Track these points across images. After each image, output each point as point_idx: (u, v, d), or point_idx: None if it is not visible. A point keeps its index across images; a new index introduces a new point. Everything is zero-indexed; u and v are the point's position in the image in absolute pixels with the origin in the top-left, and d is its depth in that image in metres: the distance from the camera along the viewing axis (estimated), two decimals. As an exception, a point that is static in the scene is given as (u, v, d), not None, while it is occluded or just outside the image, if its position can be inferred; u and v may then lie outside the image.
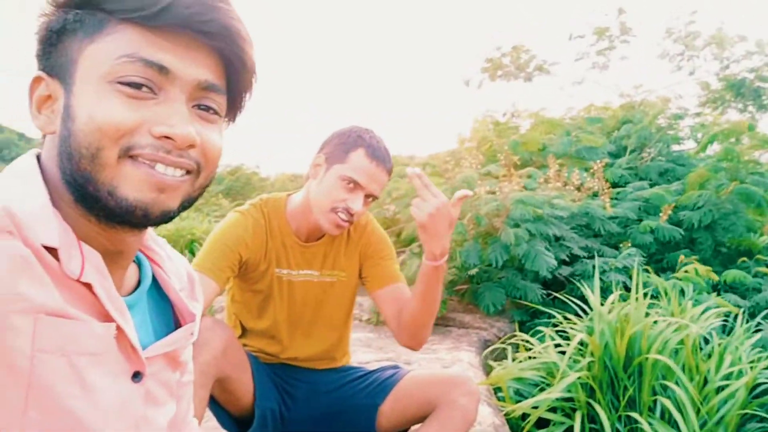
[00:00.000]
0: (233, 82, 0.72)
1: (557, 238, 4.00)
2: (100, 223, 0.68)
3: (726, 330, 3.38)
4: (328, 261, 1.81)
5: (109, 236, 0.70)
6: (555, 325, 3.20)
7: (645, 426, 2.41)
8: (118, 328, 0.67)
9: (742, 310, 3.38)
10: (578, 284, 3.69)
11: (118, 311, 0.68)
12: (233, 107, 0.76)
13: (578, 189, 4.46)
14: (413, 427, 1.73)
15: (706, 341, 3.16)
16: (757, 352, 3.02)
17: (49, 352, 0.59)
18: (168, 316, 0.84)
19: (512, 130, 6.22)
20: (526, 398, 2.75)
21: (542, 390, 2.75)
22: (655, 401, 2.62)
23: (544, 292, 3.88)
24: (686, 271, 3.61)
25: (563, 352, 2.87)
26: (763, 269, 4.01)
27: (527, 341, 3.12)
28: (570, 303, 3.36)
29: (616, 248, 4.34)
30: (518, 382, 2.87)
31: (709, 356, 2.95)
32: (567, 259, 4.03)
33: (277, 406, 1.77)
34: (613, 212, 4.39)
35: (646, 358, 2.60)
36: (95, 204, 0.65)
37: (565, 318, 3.20)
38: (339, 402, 1.80)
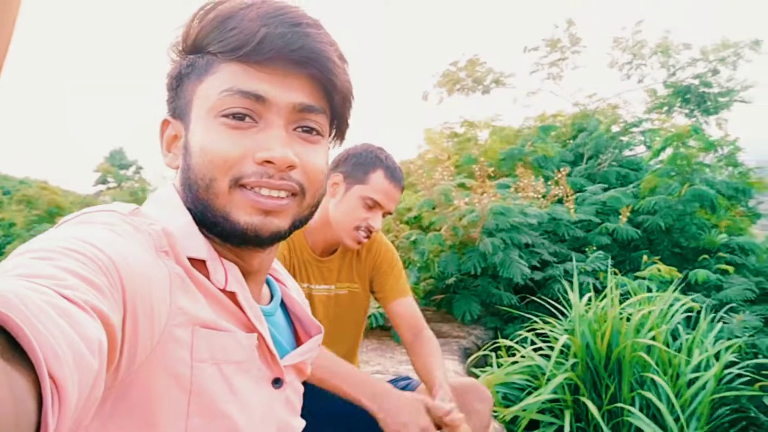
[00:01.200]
0: (332, 103, 0.75)
1: (527, 245, 4.16)
2: (224, 243, 0.72)
3: (690, 324, 3.57)
4: (343, 274, 1.87)
5: (237, 254, 0.73)
6: (533, 329, 3.33)
7: (631, 419, 2.55)
8: (259, 337, 0.71)
9: (705, 305, 3.58)
10: (552, 288, 3.86)
11: (258, 320, 0.71)
12: (338, 126, 0.79)
13: (543, 196, 4.64)
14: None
15: (674, 338, 3.34)
16: (720, 343, 3.22)
17: (204, 361, 0.63)
18: (292, 330, 0.88)
19: (471, 141, 6.38)
20: (514, 402, 2.86)
21: (529, 393, 2.87)
22: (633, 397, 2.77)
23: (518, 297, 4.03)
24: (652, 271, 3.80)
25: (545, 355, 3.00)
26: (724, 266, 4.25)
27: (510, 346, 3.23)
28: (545, 306, 3.51)
29: (581, 252, 4.53)
30: (505, 387, 2.98)
31: (679, 350, 3.13)
32: (537, 264, 4.19)
33: None
34: (577, 216, 4.58)
35: (624, 356, 2.74)
36: (214, 228, 0.70)
37: (543, 321, 3.34)
38: (349, 413, 1.84)
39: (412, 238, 4.06)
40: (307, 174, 0.72)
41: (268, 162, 0.68)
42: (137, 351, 0.54)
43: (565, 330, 3.12)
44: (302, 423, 0.84)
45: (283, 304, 0.88)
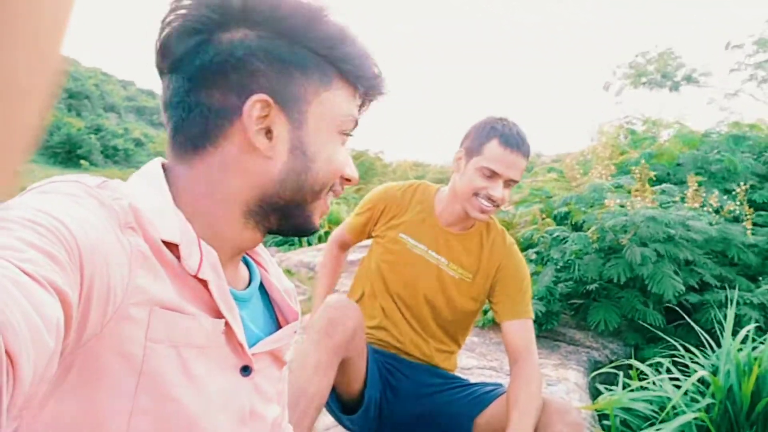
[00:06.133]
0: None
1: (687, 262, 3.73)
2: (263, 231, 0.78)
3: None
4: (462, 257, 1.86)
5: (256, 239, 0.78)
6: (674, 356, 3.00)
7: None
8: (227, 324, 0.70)
9: None
10: (707, 314, 3.43)
11: (228, 309, 0.71)
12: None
13: (717, 212, 4.12)
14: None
15: None
16: None
17: (159, 342, 0.63)
18: (272, 316, 0.88)
19: (649, 140, 5.86)
20: (633, 431, 2.60)
21: (651, 425, 2.59)
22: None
23: (665, 318, 3.63)
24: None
25: (679, 386, 2.68)
26: None
27: (641, 369, 2.94)
28: (696, 333, 3.13)
29: (754, 281, 3.97)
30: (626, 413, 2.71)
31: None
32: (696, 286, 3.74)
33: (380, 396, 1.79)
34: (754, 239, 4.02)
35: (775, 408, 2.37)
36: (287, 222, 0.77)
37: (686, 349, 2.99)
38: (438, 406, 1.81)
39: (555, 235, 3.81)
40: None
41: (348, 180, 0.80)
42: (86, 329, 0.54)
43: (711, 365, 2.76)
44: (276, 411, 0.84)
45: (262, 289, 0.87)
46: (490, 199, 1.71)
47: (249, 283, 0.84)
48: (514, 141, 1.69)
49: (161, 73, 0.73)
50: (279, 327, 0.87)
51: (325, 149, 0.74)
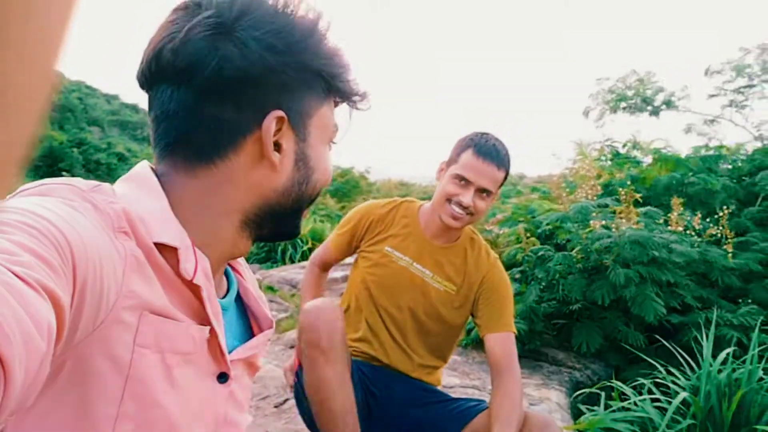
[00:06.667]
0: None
1: (669, 284, 3.76)
2: (255, 239, 0.79)
3: None
4: (446, 269, 1.87)
5: (247, 248, 0.80)
6: (655, 376, 3.01)
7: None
8: (211, 331, 0.71)
9: None
10: (688, 335, 3.45)
11: (215, 316, 0.71)
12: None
13: (698, 234, 4.17)
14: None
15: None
16: None
17: (147, 347, 0.63)
18: (246, 323, 0.89)
19: (632, 163, 5.92)
20: (615, 451, 2.59)
21: (634, 445, 2.58)
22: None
23: (647, 339, 3.65)
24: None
25: (661, 408, 2.68)
26: None
27: (623, 390, 2.94)
28: (675, 354, 3.14)
29: (734, 303, 4.01)
30: (608, 433, 2.71)
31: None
32: (678, 307, 3.77)
33: (360, 403, 1.76)
34: (734, 263, 4.06)
35: (754, 430, 2.37)
36: (279, 228, 0.80)
37: (667, 371, 3.00)
38: (421, 419, 1.80)
39: (540, 253, 3.83)
40: None
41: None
42: (77, 331, 0.54)
43: (691, 386, 2.77)
44: (248, 419, 0.84)
45: (238, 296, 0.88)
46: (460, 205, 1.75)
47: (227, 291, 0.84)
48: (487, 151, 1.75)
49: (154, 82, 0.71)
50: (252, 334, 0.88)
51: (321, 160, 0.78)
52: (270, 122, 0.70)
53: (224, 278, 0.85)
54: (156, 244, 0.65)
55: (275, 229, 0.79)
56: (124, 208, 0.62)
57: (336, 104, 0.81)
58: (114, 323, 0.59)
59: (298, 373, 1.76)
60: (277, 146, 0.72)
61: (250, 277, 0.92)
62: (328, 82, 0.76)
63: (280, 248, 8.14)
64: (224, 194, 0.73)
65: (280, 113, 0.71)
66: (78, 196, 0.59)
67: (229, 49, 0.67)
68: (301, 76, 0.72)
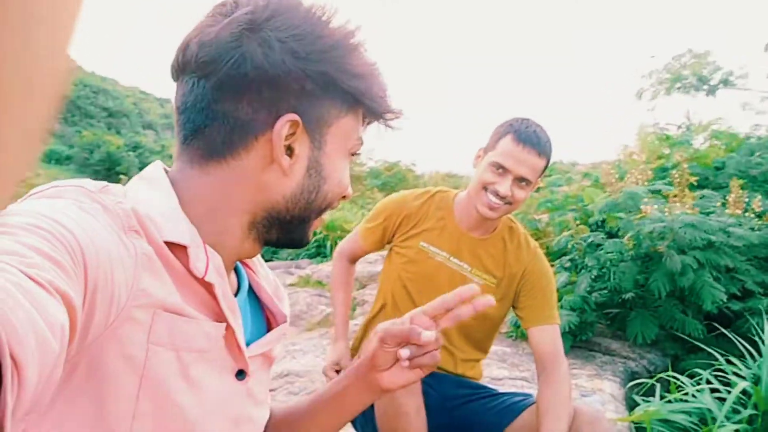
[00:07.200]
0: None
1: (729, 269, 3.60)
2: (263, 243, 0.79)
3: None
4: (483, 261, 1.81)
5: (255, 250, 0.79)
6: (713, 366, 2.89)
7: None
8: (228, 327, 0.71)
9: None
10: (750, 323, 3.30)
11: (231, 312, 0.72)
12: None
13: (759, 217, 3.98)
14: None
15: None
16: None
17: (161, 345, 0.63)
18: (260, 317, 0.89)
19: (685, 145, 5.70)
20: (672, 443, 2.51)
21: (692, 437, 2.49)
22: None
23: (705, 327, 3.50)
24: None
25: (720, 399, 2.58)
26: None
27: (679, 380, 2.83)
28: (735, 343, 3.01)
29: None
30: (664, 425, 2.62)
31: None
32: (738, 293, 3.61)
33: None
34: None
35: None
36: (286, 235, 0.78)
37: (727, 360, 2.88)
38: (466, 417, 1.76)
39: (590, 241, 3.72)
40: None
41: (344, 197, 0.82)
42: (89, 332, 0.54)
43: (752, 375, 2.65)
44: (266, 414, 0.85)
45: (251, 290, 0.88)
46: (497, 194, 1.66)
47: (238, 288, 0.84)
48: (527, 137, 1.64)
49: (180, 73, 0.72)
50: (269, 328, 0.89)
51: (336, 171, 0.77)
52: (282, 125, 0.69)
53: (234, 275, 0.85)
54: (167, 242, 0.65)
55: (282, 236, 0.78)
56: (133, 207, 0.63)
57: (365, 121, 0.79)
58: (126, 322, 0.59)
59: None
60: (290, 151, 0.72)
61: (262, 270, 0.92)
62: (353, 97, 0.74)
63: (329, 243, 8.22)
64: (234, 193, 0.72)
65: (294, 117, 0.70)
66: (87, 197, 0.60)
67: (252, 48, 0.67)
68: (321, 84, 0.70)
